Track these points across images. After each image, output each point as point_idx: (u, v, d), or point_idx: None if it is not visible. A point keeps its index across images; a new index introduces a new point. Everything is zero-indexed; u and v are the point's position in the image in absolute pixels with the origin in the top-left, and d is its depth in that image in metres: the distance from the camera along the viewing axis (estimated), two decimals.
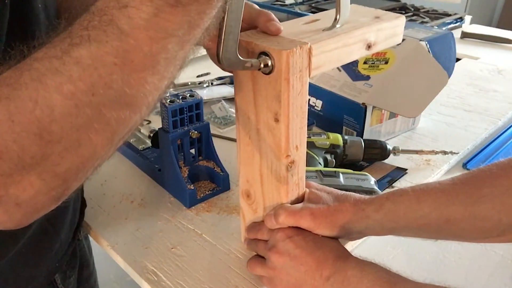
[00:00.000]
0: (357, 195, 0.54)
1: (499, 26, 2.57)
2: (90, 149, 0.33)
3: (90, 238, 0.74)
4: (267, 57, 0.45)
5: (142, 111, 0.34)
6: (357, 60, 0.91)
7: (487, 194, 0.46)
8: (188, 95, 0.73)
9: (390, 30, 0.56)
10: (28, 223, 0.35)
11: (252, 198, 0.58)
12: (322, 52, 0.48)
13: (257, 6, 0.51)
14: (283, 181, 0.52)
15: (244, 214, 0.61)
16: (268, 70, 0.46)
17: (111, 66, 0.30)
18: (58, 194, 0.34)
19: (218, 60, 0.43)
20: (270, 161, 0.52)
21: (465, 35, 1.53)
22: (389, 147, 0.83)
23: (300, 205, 0.54)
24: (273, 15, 0.51)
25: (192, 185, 0.72)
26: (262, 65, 0.46)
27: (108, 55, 0.30)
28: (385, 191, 0.74)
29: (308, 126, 0.52)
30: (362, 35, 0.52)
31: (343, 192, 0.55)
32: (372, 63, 0.90)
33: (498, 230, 0.46)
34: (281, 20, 0.51)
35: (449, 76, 0.90)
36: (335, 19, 0.51)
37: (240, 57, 0.44)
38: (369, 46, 0.54)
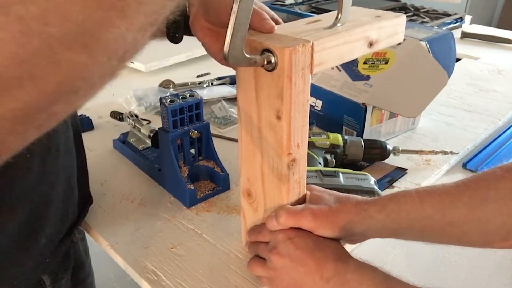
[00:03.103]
0: (359, 197, 0.53)
1: (499, 26, 2.57)
2: (32, 92, 0.27)
3: (89, 238, 0.73)
4: (270, 54, 0.46)
5: (102, 63, 0.28)
6: (357, 60, 0.91)
7: (491, 197, 0.45)
8: (188, 95, 0.73)
9: (391, 28, 0.56)
10: None
11: (253, 197, 0.57)
12: (324, 49, 0.48)
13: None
14: (284, 180, 0.52)
15: (244, 213, 0.60)
16: (271, 67, 0.46)
17: None
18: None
19: (224, 57, 0.43)
20: (271, 159, 0.52)
21: (465, 35, 1.54)
22: (389, 147, 0.83)
23: (301, 206, 0.54)
24: (266, 14, 0.50)
25: (192, 185, 0.72)
26: (265, 62, 0.46)
27: None
28: (385, 191, 0.74)
29: (308, 126, 0.52)
30: (363, 33, 0.52)
31: (345, 194, 0.55)
32: (372, 63, 0.90)
33: (502, 233, 0.45)
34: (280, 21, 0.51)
35: (449, 76, 0.90)
36: (337, 17, 0.52)
37: (247, 54, 0.44)
38: (370, 44, 0.54)
